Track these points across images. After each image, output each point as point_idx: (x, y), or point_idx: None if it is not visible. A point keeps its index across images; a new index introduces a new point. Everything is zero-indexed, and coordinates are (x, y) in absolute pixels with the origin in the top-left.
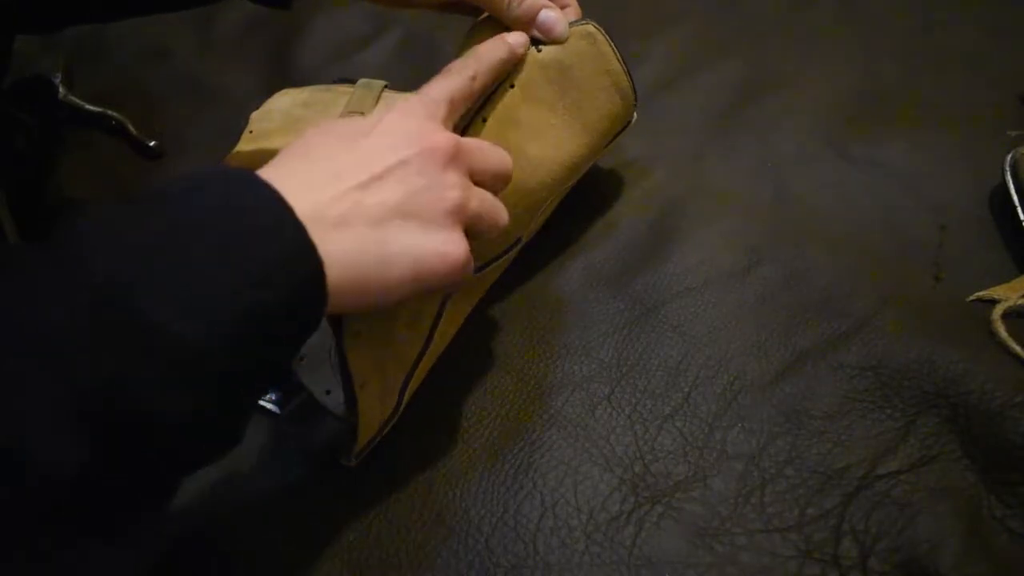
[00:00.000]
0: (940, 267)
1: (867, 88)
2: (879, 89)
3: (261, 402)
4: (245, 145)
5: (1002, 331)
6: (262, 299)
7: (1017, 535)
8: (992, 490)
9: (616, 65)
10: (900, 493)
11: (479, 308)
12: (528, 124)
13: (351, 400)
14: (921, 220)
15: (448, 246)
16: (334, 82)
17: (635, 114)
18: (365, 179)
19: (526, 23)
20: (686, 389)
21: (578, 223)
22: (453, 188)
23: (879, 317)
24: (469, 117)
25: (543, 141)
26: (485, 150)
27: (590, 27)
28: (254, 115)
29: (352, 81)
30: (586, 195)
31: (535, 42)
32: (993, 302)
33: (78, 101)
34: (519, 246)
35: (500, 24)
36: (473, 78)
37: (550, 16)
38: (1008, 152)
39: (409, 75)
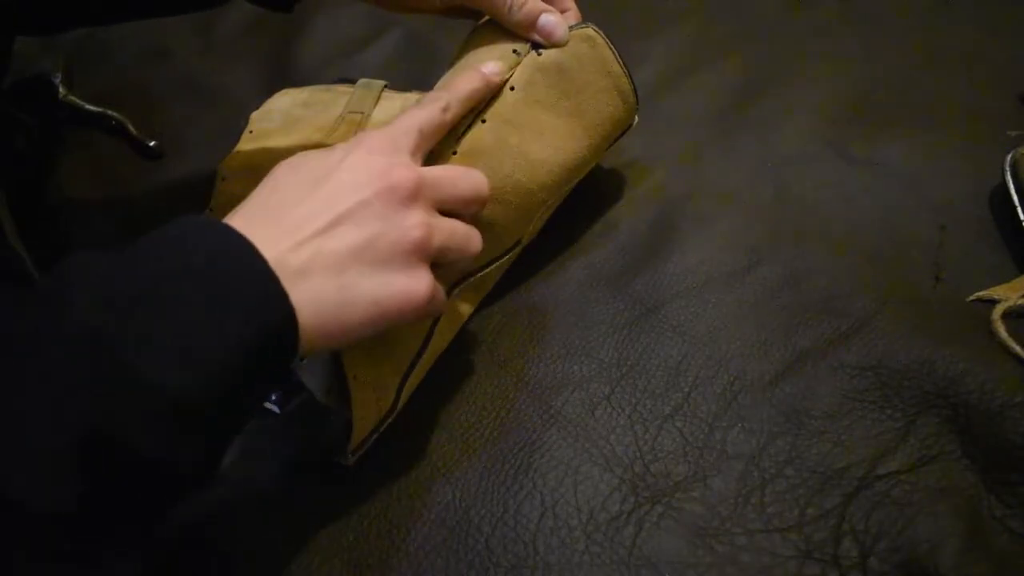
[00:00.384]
0: (940, 267)
1: (867, 88)
2: (879, 89)
3: None
4: (245, 145)
5: (1002, 331)
6: (239, 348)
7: (1017, 535)
8: (992, 490)
9: (616, 68)
10: (900, 493)
11: (479, 308)
12: (528, 126)
13: (346, 392)
14: (921, 220)
15: (410, 286)
16: (334, 82)
17: (636, 117)
18: (324, 225)
19: (527, 27)
20: (686, 389)
21: (578, 223)
22: (414, 227)
23: (879, 317)
24: (470, 119)
25: (543, 143)
26: (455, 178)
27: (590, 30)
28: (254, 115)
29: (352, 81)
30: (586, 195)
31: (536, 46)
32: (993, 302)
33: (78, 101)
34: (519, 248)
35: (501, 28)
36: (445, 109)
37: (550, 20)
38: (1008, 152)
39: (409, 75)
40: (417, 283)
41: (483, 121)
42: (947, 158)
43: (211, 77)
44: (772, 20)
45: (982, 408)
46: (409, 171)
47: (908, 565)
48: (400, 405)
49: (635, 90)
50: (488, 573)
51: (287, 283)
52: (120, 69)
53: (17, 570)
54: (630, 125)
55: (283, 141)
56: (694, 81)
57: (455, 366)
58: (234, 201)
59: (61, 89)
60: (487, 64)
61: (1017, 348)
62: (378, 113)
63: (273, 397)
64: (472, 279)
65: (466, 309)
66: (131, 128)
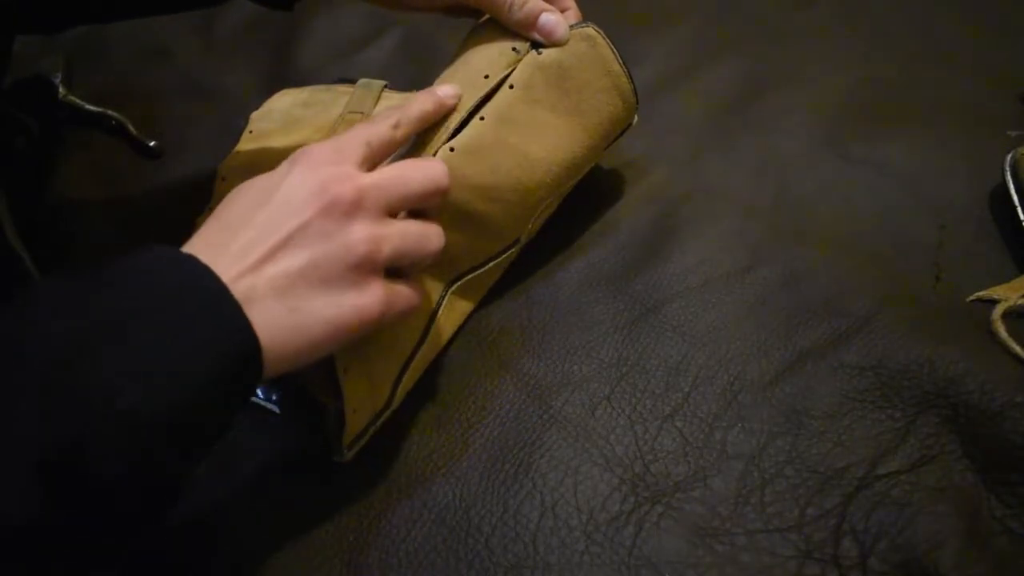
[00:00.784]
0: (940, 267)
1: (867, 88)
2: (879, 89)
3: (261, 402)
4: (245, 145)
5: (1002, 331)
6: (202, 375)
7: (1017, 535)
8: (992, 490)
9: (616, 67)
10: (900, 493)
11: (479, 307)
12: (528, 125)
13: (336, 386)
14: (921, 220)
15: (360, 302)
16: (334, 82)
17: (636, 116)
18: (266, 251)
19: (527, 26)
20: (686, 389)
21: (578, 223)
22: (358, 242)
23: (879, 317)
24: (464, 115)
25: (543, 142)
26: (405, 175)
27: (590, 30)
28: (254, 115)
29: (352, 81)
30: (586, 195)
31: (536, 44)
32: (993, 302)
33: (78, 101)
34: (519, 247)
35: (501, 27)
36: (395, 126)
37: (551, 19)
38: (1008, 152)
39: (409, 75)
40: (368, 298)
41: (481, 118)
42: (947, 158)
43: (211, 77)
44: (772, 20)
45: (982, 408)
46: (349, 183)
47: (908, 565)
48: (396, 401)
49: (635, 90)
50: (488, 573)
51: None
52: (120, 69)
53: None
54: (630, 124)
55: (283, 141)
56: (694, 81)
57: (455, 365)
58: None
59: (61, 89)
60: (443, 87)
61: (1017, 348)
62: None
63: (273, 397)
64: (470, 277)
65: (465, 307)
66: (131, 128)
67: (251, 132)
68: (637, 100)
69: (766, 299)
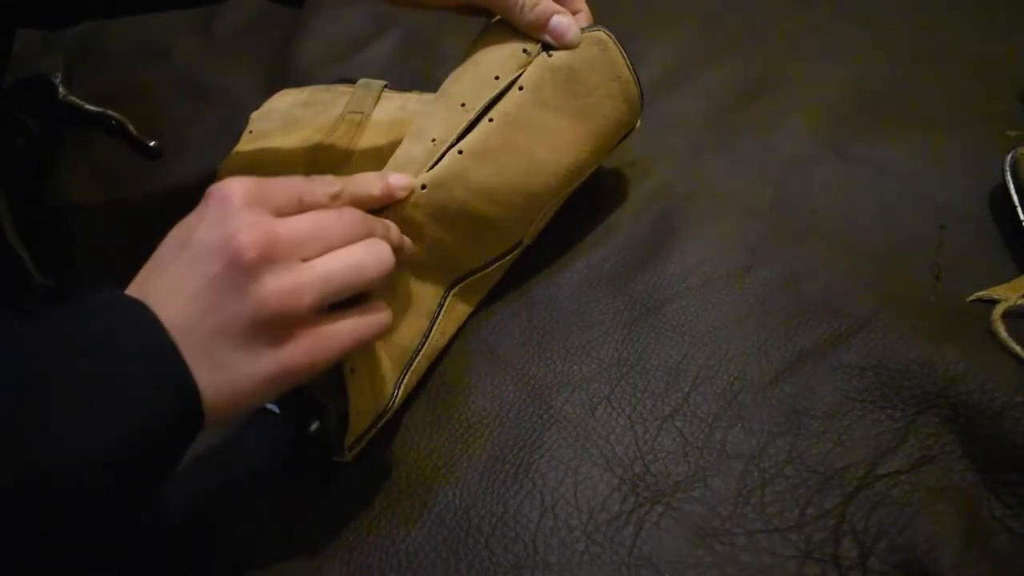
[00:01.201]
0: (940, 267)
1: (867, 88)
2: (879, 89)
3: None
4: (245, 145)
5: (1002, 331)
6: (140, 424)
7: (1017, 535)
8: (992, 490)
9: (626, 72)
10: (900, 493)
11: (479, 307)
12: (535, 128)
13: (343, 386)
14: (921, 220)
15: (283, 355)
16: (334, 82)
17: (639, 120)
18: (181, 305)
19: (538, 28)
20: (686, 389)
21: (578, 223)
22: (272, 296)
23: (879, 317)
24: (473, 117)
25: (549, 145)
26: (322, 225)
27: (601, 34)
28: (254, 115)
29: (352, 81)
30: (586, 194)
31: (546, 46)
32: (993, 302)
33: (78, 101)
34: (521, 248)
35: (511, 28)
36: (334, 198)
37: (562, 21)
38: (1008, 152)
39: (409, 75)
40: (291, 351)
41: (490, 120)
42: (947, 158)
43: (211, 77)
44: (772, 20)
45: (982, 408)
46: (260, 232)
47: (908, 565)
48: (398, 402)
49: (642, 95)
50: (488, 573)
51: None
52: (120, 69)
53: None
54: (633, 128)
55: (283, 141)
56: (694, 81)
57: (455, 366)
58: None
59: (61, 89)
60: (396, 176)
61: (1017, 348)
62: (378, 113)
63: None
64: (472, 279)
65: (466, 309)
66: (131, 128)
67: (251, 132)
68: (643, 105)
69: (766, 299)
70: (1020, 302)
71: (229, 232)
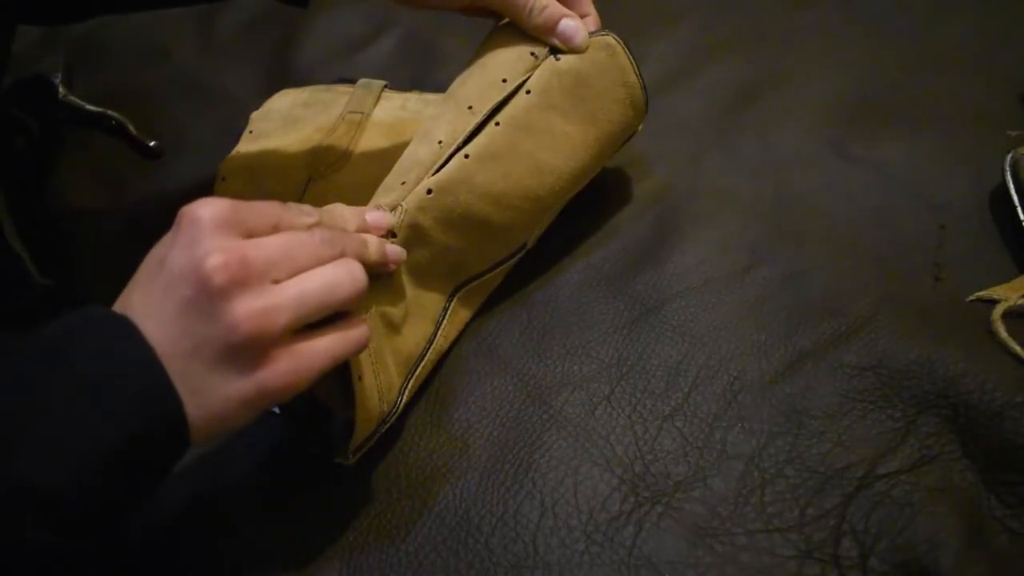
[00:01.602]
0: (940, 267)
1: (867, 88)
2: (879, 89)
3: None
4: (245, 145)
5: (1002, 331)
6: (127, 437)
7: (1017, 535)
8: (992, 490)
9: (633, 78)
10: (900, 493)
11: (479, 308)
12: (542, 132)
13: (349, 392)
14: (921, 220)
15: (258, 377)
16: (334, 82)
17: (641, 124)
18: (156, 327)
19: (546, 31)
20: (686, 389)
21: (578, 223)
22: (244, 320)
23: (879, 317)
24: (480, 119)
25: (555, 149)
26: (293, 247)
27: (610, 39)
28: (254, 115)
29: (352, 81)
30: (586, 195)
31: (554, 50)
32: (993, 302)
33: (78, 101)
34: (524, 251)
35: (519, 31)
36: (309, 230)
37: (570, 25)
38: (1008, 152)
39: (409, 75)
40: (266, 372)
41: (496, 124)
42: (947, 158)
43: (211, 77)
44: (772, 20)
45: (982, 408)
46: (231, 256)
47: (908, 565)
48: (401, 407)
49: (647, 100)
50: (488, 573)
51: None
52: (120, 69)
53: None
54: (635, 132)
55: (283, 141)
56: (694, 81)
57: (455, 366)
58: None
59: (61, 89)
60: (376, 214)
61: (1017, 348)
62: (378, 113)
63: None
64: (476, 283)
65: (469, 312)
66: (131, 128)
67: (251, 132)
68: (647, 110)
69: (766, 299)
70: (1020, 302)
71: (198, 256)
